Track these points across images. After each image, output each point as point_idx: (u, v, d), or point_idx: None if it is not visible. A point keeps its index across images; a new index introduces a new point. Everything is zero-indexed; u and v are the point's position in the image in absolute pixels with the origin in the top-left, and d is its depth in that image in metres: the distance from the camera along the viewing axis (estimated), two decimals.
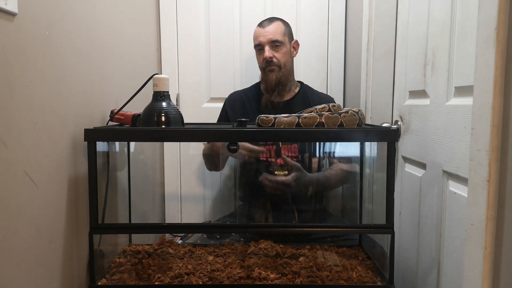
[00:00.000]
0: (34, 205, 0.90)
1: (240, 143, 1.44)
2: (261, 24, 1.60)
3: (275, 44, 1.56)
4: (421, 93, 1.23)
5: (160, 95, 1.15)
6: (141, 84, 1.21)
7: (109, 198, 1.24)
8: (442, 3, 1.10)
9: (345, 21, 1.89)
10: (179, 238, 1.57)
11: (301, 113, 1.17)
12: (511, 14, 0.66)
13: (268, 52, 1.56)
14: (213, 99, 1.91)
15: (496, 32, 0.67)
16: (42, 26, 0.92)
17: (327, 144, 1.61)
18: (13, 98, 0.81)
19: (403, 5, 1.39)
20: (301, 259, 1.19)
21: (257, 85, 1.71)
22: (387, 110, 1.49)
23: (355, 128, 1.13)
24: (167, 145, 1.92)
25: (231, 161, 1.72)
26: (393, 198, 1.07)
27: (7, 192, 0.80)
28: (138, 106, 1.22)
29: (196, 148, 1.93)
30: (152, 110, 1.14)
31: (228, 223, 1.69)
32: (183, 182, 1.95)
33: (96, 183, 1.06)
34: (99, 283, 1.12)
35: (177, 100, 1.90)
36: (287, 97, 1.65)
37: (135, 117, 1.19)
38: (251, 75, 1.81)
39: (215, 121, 1.76)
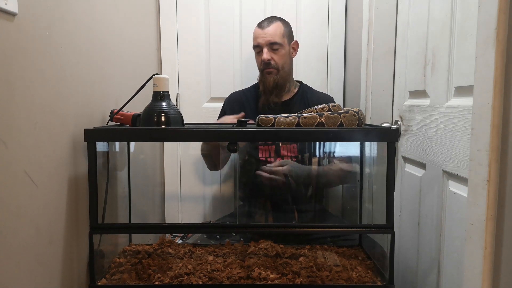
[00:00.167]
0: (34, 205, 0.90)
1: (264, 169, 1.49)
2: (260, 25, 1.59)
3: (273, 46, 1.56)
4: (421, 93, 1.23)
5: (160, 95, 1.15)
6: (141, 84, 1.21)
7: (109, 198, 1.24)
8: (442, 3, 1.10)
9: (345, 21, 1.89)
10: (179, 238, 1.57)
11: (301, 113, 1.17)
12: (511, 14, 0.66)
13: (266, 54, 1.55)
14: (213, 99, 1.91)
15: (496, 32, 0.67)
16: (42, 26, 0.92)
17: (327, 144, 1.61)
18: (13, 98, 0.81)
19: (403, 5, 1.39)
20: (301, 259, 1.19)
21: (256, 86, 1.71)
22: (387, 110, 1.49)
23: (355, 128, 1.13)
24: (167, 145, 1.92)
25: (231, 160, 1.72)
26: (393, 198, 1.07)
27: (7, 192, 0.80)
28: (138, 106, 1.22)
29: (196, 148, 1.93)
30: (152, 110, 1.14)
31: (228, 223, 1.69)
32: (183, 182, 1.95)
33: (96, 183, 1.06)
34: (99, 283, 1.12)
35: (177, 100, 1.90)
36: (286, 97, 1.65)
37: (135, 117, 1.19)
38: (251, 75, 1.81)
39: (215, 121, 1.76)
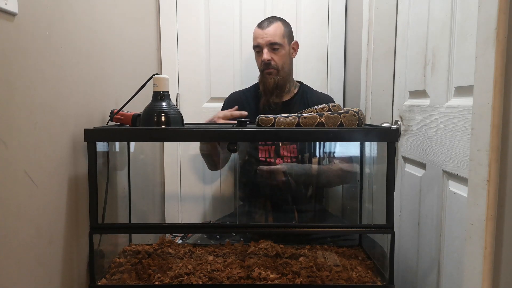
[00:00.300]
0: (34, 205, 0.90)
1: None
2: (260, 25, 1.59)
3: (273, 46, 1.55)
4: (421, 93, 1.23)
5: (160, 95, 1.15)
6: (141, 84, 1.21)
7: (109, 198, 1.24)
8: (442, 3, 1.10)
9: (345, 21, 1.89)
10: (179, 238, 1.57)
11: (301, 113, 1.17)
12: (511, 14, 0.66)
13: (266, 54, 1.55)
14: (213, 99, 1.91)
15: (496, 32, 0.67)
16: (42, 26, 0.92)
17: (327, 144, 1.60)
18: (13, 98, 0.81)
19: (403, 5, 1.39)
20: (301, 259, 1.19)
21: (256, 86, 1.71)
22: (387, 110, 1.49)
23: (355, 128, 1.13)
24: (167, 145, 1.92)
25: (231, 160, 1.72)
26: (393, 198, 1.07)
27: (7, 192, 0.80)
28: (138, 106, 1.22)
29: (196, 148, 1.93)
30: (152, 110, 1.14)
31: (228, 223, 1.69)
32: (183, 182, 1.95)
33: (96, 183, 1.06)
34: (99, 283, 1.12)
35: (177, 100, 1.90)
36: (286, 97, 1.65)
37: (135, 117, 1.19)
38: (251, 75, 1.81)
39: (208, 119, 1.75)
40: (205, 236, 1.54)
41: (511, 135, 0.67)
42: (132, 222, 1.42)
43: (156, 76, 1.17)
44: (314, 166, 1.58)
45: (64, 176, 1.03)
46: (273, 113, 1.18)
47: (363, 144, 1.36)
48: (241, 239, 1.44)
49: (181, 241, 1.52)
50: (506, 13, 0.66)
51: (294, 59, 1.66)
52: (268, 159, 1.60)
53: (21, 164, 0.85)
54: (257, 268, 1.13)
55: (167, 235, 1.57)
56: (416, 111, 1.26)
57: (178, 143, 1.90)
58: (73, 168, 1.08)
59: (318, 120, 1.11)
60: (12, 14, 0.80)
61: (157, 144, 1.88)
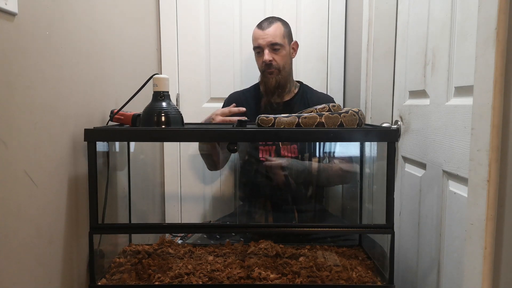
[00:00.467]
0: (34, 205, 0.90)
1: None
2: (260, 26, 1.59)
3: (274, 47, 1.55)
4: (421, 93, 1.23)
5: (160, 95, 1.15)
6: (141, 84, 1.21)
7: (109, 198, 1.24)
8: (442, 3, 1.10)
9: (345, 21, 1.89)
10: (179, 238, 1.57)
11: (301, 113, 1.17)
12: (511, 14, 0.66)
13: (267, 55, 1.55)
14: (213, 99, 1.91)
15: (496, 32, 0.67)
16: (42, 26, 0.92)
17: (327, 144, 1.60)
18: (13, 98, 0.81)
19: (403, 5, 1.39)
20: (301, 259, 1.19)
21: (256, 86, 1.71)
22: (387, 110, 1.49)
23: (355, 128, 1.13)
24: (167, 145, 1.92)
25: (231, 160, 1.72)
26: (393, 198, 1.07)
27: (7, 192, 0.80)
28: (138, 106, 1.22)
29: (196, 148, 1.93)
30: (152, 110, 1.14)
31: (228, 223, 1.69)
32: (183, 182, 1.95)
33: (96, 183, 1.06)
34: (99, 283, 1.12)
35: (177, 100, 1.90)
36: (287, 97, 1.65)
37: (135, 117, 1.19)
38: (251, 75, 1.81)
39: (204, 118, 1.75)
40: (205, 236, 1.54)
41: (511, 135, 0.67)
42: (132, 222, 1.42)
43: (156, 76, 1.17)
44: (314, 164, 1.58)
45: (64, 176, 1.03)
46: (274, 113, 1.18)
47: (363, 144, 1.36)
48: (241, 239, 1.44)
49: (181, 241, 1.52)
50: (506, 13, 0.66)
51: (294, 59, 1.66)
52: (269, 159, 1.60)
53: (21, 164, 0.85)
54: (257, 268, 1.13)
55: (167, 235, 1.57)
56: (416, 111, 1.26)
57: (178, 143, 1.90)
58: (73, 168, 1.08)
59: (318, 120, 1.11)
60: (12, 14, 0.80)
61: (157, 144, 1.88)
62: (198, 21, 1.89)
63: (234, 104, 1.61)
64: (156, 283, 1.10)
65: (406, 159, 1.35)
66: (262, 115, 1.15)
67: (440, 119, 1.10)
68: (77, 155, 1.09)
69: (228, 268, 1.15)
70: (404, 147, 1.34)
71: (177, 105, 1.90)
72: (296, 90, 1.67)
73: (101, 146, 1.17)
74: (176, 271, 1.14)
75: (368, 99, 1.54)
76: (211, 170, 1.77)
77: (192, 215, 1.95)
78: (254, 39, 1.60)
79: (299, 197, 1.60)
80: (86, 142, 1.05)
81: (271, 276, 1.11)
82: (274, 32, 1.55)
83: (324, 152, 1.62)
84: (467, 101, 0.95)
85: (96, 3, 1.21)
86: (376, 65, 1.50)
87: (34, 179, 0.89)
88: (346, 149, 1.56)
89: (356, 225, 1.47)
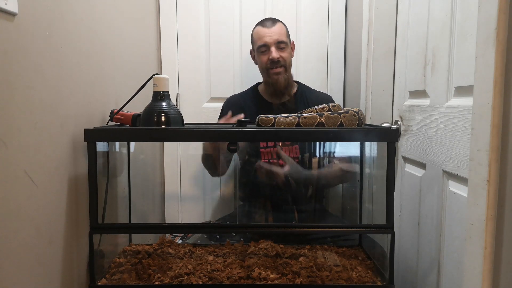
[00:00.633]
0: (34, 205, 0.90)
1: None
2: (264, 24, 1.58)
3: (281, 45, 1.56)
4: (421, 93, 1.23)
5: (160, 95, 1.15)
6: (141, 84, 1.21)
7: (109, 198, 1.24)
8: (442, 3, 1.10)
9: (345, 21, 1.89)
10: (179, 238, 1.57)
11: (301, 113, 1.17)
12: (511, 14, 0.66)
13: (275, 53, 1.54)
14: (213, 99, 1.91)
15: (496, 32, 0.67)
16: (42, 26, 0.92)
17: (327, 144, 1.61)
18: (13, 98, 0.81)
19: (403, 5, 1.39)
20: (301, 259, 1.19)
21: (254, 88, 1.71)
22: (387, 110, 1.49)
23: (355, 128, 1.13)
24: (167, 145, 1.92)
25: (233, 164, 1.71)
26: (393, 198, 1.07)
27: (7, 192, 0.80)
28: (138, 106, 1.22)
29: (196, 148, 1.93)
30: (152, 110, 1.14)
31: (228, 223, 1.69)
32: (183, 182, 1.95)
33: (96, 183, 1.06)
34: (99, 283, 1.12)
35: (177, 100, 1.90)
36: (287, 98, 1.65)
37: (135, 117, 1.19)
38: (251, 75, 1.81)
39: (215, 121, 1.76)
40: (205, 236, 1.54)
41: (511, 135, 0.67)
42: (132, 222, 1.42)
43: (156, 76, 1.17)
44: (314, 171, 1.57)
45: (64, 176, 1.03)
46: (275, 114, 1.18)
47: (363, 144, 1.36)
48: (241, 239, 1.44)
49: (181, 241, 1.52)
50: (506, 13, 0.66)
51: (294, 59, 1.67)
52: (271, 161, 1.60)
53: (21, 164, 0.85)
54: (257, 268, 1.13)
55: (167, 235, 1.57)
56: (416, 111, 1.26)
57: (178, 143, 1.90)
58: (73, 168, 1.08)
59: (318, 120, 1.11)
60: (12, 14, 0.80)
61: (157, 144, 1.88)
62: (198, 21, 1.89)
63: (230, 114, 1.58)
64: (156, 283, 1.10)
65: (406, 159, 1.35)
66: (262, 115, 1.15)
67: (440, 119, 1.10)
68: (77, 155, 1.09)
69: (228, 268, 1.15)
70: (404, 147, 1.34)
71: (177, 105, 1.90)
72: (295, 90, 1.67)
73: (101, 146, 1.16)
74: (176, 271, 1.14)
75: (368, 99, 1.54)
76: (213, 176, 1.77)
77: (192, 215, 1.95)
78: (259, 37, 1.58)
79: (299, 197, 1.60)
80: (86, 142, 1.05)
81: (271, 276, 1.11)
82: (279, 30, 1.56)
83: (324, 152, 1.62)
84: (467, 101, 0.95)
85: (96, 3, 1.21)
86: (376, 65, 1.50)
87: (34, 179, 0.89)
88: (346, 149, 1.56)
89: (356, 225, 1.47)
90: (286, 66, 1.57)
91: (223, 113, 1.71)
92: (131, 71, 1.50)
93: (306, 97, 1.65)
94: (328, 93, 1.87)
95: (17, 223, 0.84)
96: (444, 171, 1.08)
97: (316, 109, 1.23)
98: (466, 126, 0.95)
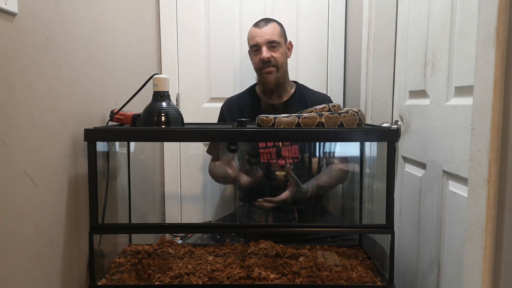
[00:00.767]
0: (34, 205, 0.90)
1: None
2: (257, 25, 1.59)
3: (272, 44, 1.56)
4: (421, 93, 1.23)
5: (160, 95, 1.15)
6: (141, 84, 1.21)
7: (109, 198, 1.24)
8: (442, 3, 1.10)
9: (345, 21, 1.89)
10: (179, 238, 1.57)
11: (301, 113, 1.17)
12: (511, 14, 0.66)
13: (265, 52, 1.55)
14: (213, 99, 1.91)
15: (496, 32, 0.67)
16: (42, 26, 0.92)
17: (327, 144, 1.61)
18: (13, 98, 0.81)
19: (403, 5, 1.39)
20: (301, 259, 1.19)
21: (251, 89, 1.71)
22: (387, 110, 1.49)
23: (355, 128, 1.13)
24: (167, 145, 1.92)
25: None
26: (393, 198, 1.07)
27: (7, 192, 0.80)
28: (138, 106, 1.22)
29: (196, 148, 1.93)
30: (152, 110, 1.14)
31: (228, 223, 1.69)
32: (183, 182, 1.95)
33: (96, 183, 1.06)
34: (99, 283, 1.12)
35: (177, 100, 1.90)
36: (284, 98, 1.65)
37: (135, 117, 1.19)
38: (251, 75, 1.81)
39: (215, 121, 1.76)
40: (205, 236, 1.54)
41: (511, 135, 0.67)
42: (132, 222, 1.42)
43: (156, 76, 1.17)
44: (315, 182, 1.57)
45: (64, 176, 1.03)
46: (273, 114, 1.18)
47: (363, 144, 1.36)
48: (241, 239, 1.44)
49: (181, 241, 1.52)
50: (506, 13, 0.66)
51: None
52: (270, 161, 1.60)
53: (21, 164, 0.85)
54: (257, 268, 1.13)
55: (167, 235, 1.57)
56: (416, 111, 1.26)
57: (178, 143, 1.90)
58: (73, 168, 1.08)
59: (318, 120, 1.11)
60: (12, 14, 0.80)
61: (157, 144, 1.88)
62: (198, 21, 1.89)
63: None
64: (156, 283, 1.10)
65: (406, 159, 1.35)
66: (262, 115, 1.15)
67: (440, 119, 1.10)
68: (77, 155, 1.09)
69: (228, 268, 1.15)
70: (404, 147, 1.34)
71: (177, 105, 1.90)
72: (293, 90, 1.67)
73: (101, 146, 1.17)
74: (176, 271, 1.14)
75: (368, 99, 1.54)
76: (226, 184, 1.77)
77: (192, 215, 1.95)
78: (251, 37, 1.60)
79: (299, 198, 1.60)
80: (86, 142, 1.05)
81: (271, 276, 1.11)
82: (271, 30, 1.56)
83: (324, 152, 1.62)
84: (467, 101, 0.95)
85: (96, 3, 1.21)
86: (376, 65, 1.50)
87: (34, 179, 0.89)
88: (346, 149, 1.57)
89: (356, 225, 1.47)
90: (278, 66, 1.57)
91: (222, 115, 1.71)
92: (131, 71, 1.50)
93: (305, 97, 1.65)
94: (328, 93, 1.87)
95: (17, 223, 0.84)
96: (444, 171, 1.08)
97: (316, 109, 1.23)
98: (466, 126, 0.95)
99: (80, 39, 1.11)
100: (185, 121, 1.22)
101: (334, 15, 1.89)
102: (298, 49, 1.88)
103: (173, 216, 1.94)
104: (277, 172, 1.59)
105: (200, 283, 1.10)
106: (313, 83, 1.80)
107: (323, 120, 1.11)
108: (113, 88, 1.34)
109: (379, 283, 1.12)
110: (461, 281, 0.90)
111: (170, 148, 1.92)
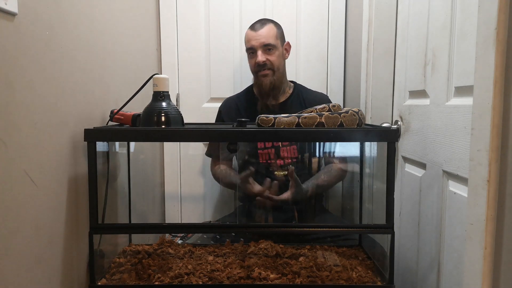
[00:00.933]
0: (34, 205, 0.90)
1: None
2: (253, 27, 1.58)
3: (267, 47, 1.55)
4: (421, 93, 1.23)
5: (160, 95, 1.15)
6: (141, 84, 1.21)
7: (109, 198, 1.24)
8: (442, 3, 1.10)
9: (345, 21, 1.89)
10: (179, 238, 1.57)
11: (301, 113, 1.17)
12: (511, 14, 0.66)
13: (260, 56, 1.54)
14: (213, 99, 1.91)
15: (496, 32, 0.67)
16: (42, 26, 0.92)
17: (327, 144, 1.60)
18: (13, 98, 0.81)
19: (403, 5, 1.39)
20: (301, 259, 1.19)
21: (249, 89, 1.71)
22: (387, 110, 1.49)
23: (355, 128, 1.13)
24: (167, 145, 1.92)
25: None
26: (393, 198, 1.07)
27: (7, 192, 0.80)
28: (138, 106, 1.22)
29: (196, 148, 1.93)
30: (152, 110, 1.14)
31: (228, 223, 1.69)
32: (183, 182, 1.95)
33: (96, 183, 1.06)
34: (99, 283, 1.12)
35: (177, 100, 1.90)
36: (282, 99, 1.64)
37: (135, 117, 1.19)
38: (251, 75, 1.80)
39: (214, 121, 1.76)
40: (205, 236, 1.54)
41: (511, 135, 0.67)
42: (132, 222, 1.42)
43: (156, 76, 1.17)
44: (314, 181, 1.56)
45: (64, 176, 1.03)
46: (275, 113, 1.18)
47: (363, 144, 1.36)
48: (241, 239, 1.44)
49: (181, 241, 1.52)
50: (506, 13, 0.66)
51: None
52: (269, 161, 1.60)
53: (21, 164, 0.85)
54: (257, 268, 1.13)
55: (167, 235, 1.57)
56: (416, 111, 1.26)
57: (178, 143, 1.90)
58: (73, 168, 1.08)
59: (318, 120, 1.11)
60: (12, 14, 0.80)
61: (157, 144, 1.88)
62: (198, 21, 1.89)
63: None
64: (156, 283, 1.10)
65: (406, 159, 1.35)
66: (262, 115, 1.15)
67: (440, 119, 1.10)
68: (77, 155, 1.09)
69: (228, 268, 1.15)
70: (404, 147, 1.34)
71: (177, 105, 1.90)
72: (291, 91, 1.67)
73: (101, 146, 1.17)
74: (176, 271, 1.14)
75: (368, 99, 1.54)
76: (226, 188, 1.79)
77: (192, 215, 1.95)
78: (247, 40, 1.59)
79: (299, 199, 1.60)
80: (86, 142, 1.05)
81: (271, 276, 1.11)
82: (267, 33, 1.55)
83: (324, 152, 1.62)
84: (467, 101, 0.95)
85: (96, 3, 1.21)
86: (376, 65, 1.50)
87: (34, 179, 0.89)
88: (346, 149, 1.57)
89: (356, 225, 1.47)
90: (273, 69, 1.56)
91: (220, 115, 1.71)
92: (131, 71, 1.50)
93: (303, 97, 1.65)
94: (328, 93, 1.87)
95: (17, 223, 0.84)
96: (444, 171, 1.08)
97: (316, 109, 1.23)
98: (466, 126, 0.95)
99: (80, 39, 1.11)
100: (185, 121, 1.22)
101: (334, 15, 1.89)
102: (298, 49, 1.88)
103: (173, 216, 1.94)
104: (276, 172, 1.59)
105: (200, 283, 1.10)
106: (313, 83, 1.80)
107: (323, 120, 1.11)
108: (113, 88, 1.34)
109: (379, 283, 1.12)
110: (461, 281, 0.90)
111: (170, 148, 1.92)
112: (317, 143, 1.62)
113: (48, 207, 0.96)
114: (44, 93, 0.93)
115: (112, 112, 1.22)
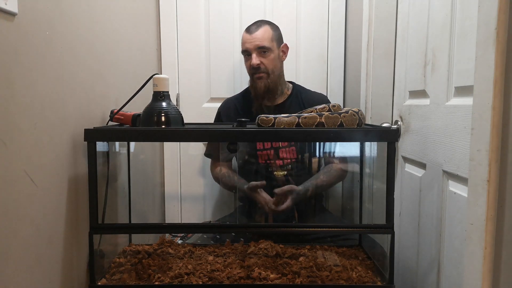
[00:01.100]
0: (34, 205, 0.90)
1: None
2: (248, 30, 1.58)
3: (262, 50, 1.54)
4: (421, 93, 1.23)
5: (160, 95, 1.15)
6: (141, 84, 1.21)
7: (109, 198, 1.24)
8: (442, 3, 1.10)
9: (345, 21, 1.89)
10: (179, 238, 1.57)
11: (301, 113, 1.17)
12: (511, 14, 0.66)
13: (255, 59, 1.54)
14: (213, 99, 1.91)
15: (496, 32, 0.67)
16: (42, 26, 0.92)
17: (327, 144, 1.60)
18: (13, 98, 0.81)
19: (403, 5, 1.39)
20: (301, 259, 1.19)
21: (248, 90, 1.71)
22: (387, 110, 1.49)
23: (355, 128, 1.13)
24: (167, 145, 1.92)
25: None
26: (393, 198, 1.07)
27: (7, 192, 0.80)
28: (138, 106, 1.22)
29: (196, 148, 1.93)
30: (152, 110, 1.14)
31: (228, 223, 1.69)
32: (183, 182, 1.95)
33: (96, 183, 1.06)
34: (99, 283, 1.12)
35: (177, 100, 1.90)
36: (280, 100, 1.64)
37: (135, 117, 1.19)
38: None
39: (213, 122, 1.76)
40: (205, 236, 1.54)
41: (511, 135, 0.67)
42: (132, 222, 1.42)
43: (156, 76, 1.17)
44: (313, 182, 1.56)
45: (64, 176, 1.03)
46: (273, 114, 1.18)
47: (363, 144, 1.36)
48: (241, 239, 1.44)
49: (181, 241, 1.52)
50: (506, 13, 0.66)
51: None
52: (268, 161, 1.60)
53: (21, 164, 0.85)
54: (257, 268, 1.13)
55: (167, 235, 1.57)
56: (416, 111, 1.26)
57: (178, 143, 1.90)
58: (73, 168, 1.08)
59: (318, 120, 1.11)
60: (12, 14, 0.80)
61: (157, 144, 1.88)
62: (198, 21, 1.89)
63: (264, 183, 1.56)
64: (156, 283, 1.10)
65: (406, 159, 1.35)
66: (262, 115, 1.15)
67: (440, 119, 1.10)
68: (77, 155, 1.09)
69: (228, 268, 1.15)
70: (404, 147, 1.34)
71: (177, 105, 1.90)
72: (290, 92, 1.66)
73: (101, 146, 1.17)
74: (176, 271, 1.14)
75: (368, 99, 1.54)
76: (226, 189, 1.79)
77: (192, 215, 1.95)
78: (242, 43, 1.59)
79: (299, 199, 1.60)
80: (86, 142, 1.05)
81: (271, 276, 1.11)
82: (262, 35, 1.54)
83: (324, 152, 1.62)
84: (467, 101, 0.95)
85: (96, 3, 1.21)
86: (376, 65, 1.50)
87: (34, 179, 0.89)
88: (346, 149, 1.57)
89: (356, 225, 1.48)
90: (268, 72, 1.56)
91: (219, 116, 1.71)
92: (131, 71, 1.50)
93: (302, 97, 1.65)
94: (328, 93, 1.87)
95: (17, 223, 0.84)
96: (444, 171, 1.08)
97: (316, 109, 1.23)
98: (466, 126, 0.95)
99: (80, 39, 1.11)
100: (185, 121, 1.22)
101: (334, 15, 1.89)
102: (298, 49, 1.88)
103: (173, 216, 1.94)
104: (275, 172, 1.59)
105: (200, 283, 1.10)
106: (313, 83, 1.80)
107: (323, 120, 1.11)
108: (113, 88, 1.34)
109: (379, 283, 1.12)
110: (461, 281, 0.90)
111: (170, 148, 1.92)
112: (317, 143, 1.62)
113: (48, 207, 0.96)
114: (44, 93, 0.93)
115: (112, 112, 1.22)
